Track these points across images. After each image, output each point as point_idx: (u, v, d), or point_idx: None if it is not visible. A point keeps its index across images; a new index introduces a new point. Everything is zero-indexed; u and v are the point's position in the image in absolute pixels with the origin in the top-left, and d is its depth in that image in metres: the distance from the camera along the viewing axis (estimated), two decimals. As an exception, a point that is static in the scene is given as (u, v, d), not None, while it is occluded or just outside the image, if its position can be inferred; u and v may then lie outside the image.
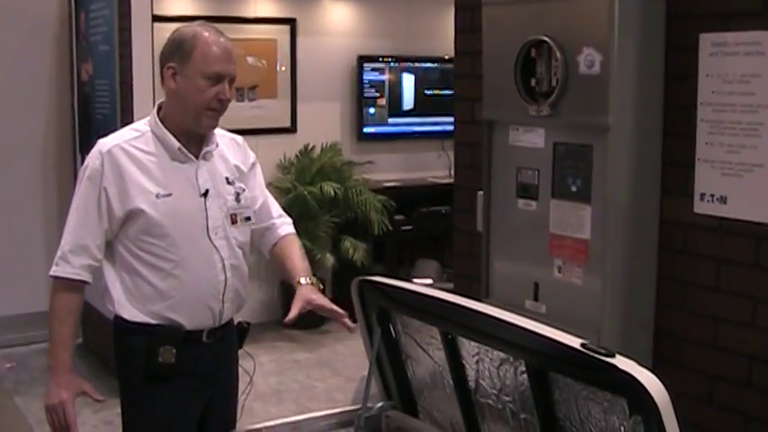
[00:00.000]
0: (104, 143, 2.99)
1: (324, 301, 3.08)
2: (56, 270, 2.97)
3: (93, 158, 2.98)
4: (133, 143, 2.99)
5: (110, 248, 3.01)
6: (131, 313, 2.98)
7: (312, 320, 7.56)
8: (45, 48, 7.21)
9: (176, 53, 2.97)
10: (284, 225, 3.31)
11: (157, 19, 6.06)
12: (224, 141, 3.16)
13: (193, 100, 2.95)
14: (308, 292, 3.07)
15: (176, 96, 2.99)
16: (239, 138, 3.26)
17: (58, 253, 2.98)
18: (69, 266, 2.95)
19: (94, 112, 6.55)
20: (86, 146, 6.55)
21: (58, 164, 7.30)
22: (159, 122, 3.01)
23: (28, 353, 6.83)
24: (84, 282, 2.98)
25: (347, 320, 2.97)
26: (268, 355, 6.77)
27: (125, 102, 5.91)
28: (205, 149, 3.05)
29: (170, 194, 2.95)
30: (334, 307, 3.06)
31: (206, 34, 2.98)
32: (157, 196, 2.94)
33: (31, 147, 7.25)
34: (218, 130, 3.14)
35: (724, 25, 3.03)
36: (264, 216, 3.26)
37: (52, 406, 2.92)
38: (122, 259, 2.99)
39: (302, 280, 3.11)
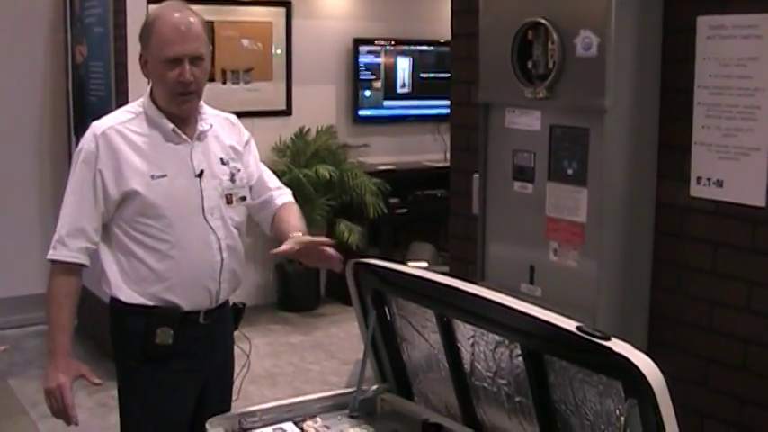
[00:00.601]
0: (98, 126, 2.99)
1: (309, 239, 3.05)
2: (53, 254, 2.96)
3: (87, 141, 2.97)
4: (127, 125, 2.98)
5: (106, 231, 3.00)
6: (128, 295, 2.98)
7: (307, 303, 7.59)
8: (39, 30, 7.19)
9: (141, 40, 2.99)
10: (282, 195, 3.29)
11: (153, 1, 6.04)
12: (218, 121, 3.15)
13: (160, 86, 2.97)
14: (299, 237, 3.04)
15: (152, 82, 3.01)
16: (233, 117, 3.25)
17: (55, 237, 2.97)
18: (66, 250, 2.94)
19: (89, 95, 6.54)
20: (81, 128, 6.54)
21: (52, 146, 7.28)
22: (152, 104, 3.01)
23: (22, 335, 6.83)
24: (82, 265, 2.97)
25: (333, 253, 2.98)
26: (263, 338, 6.77)
27: (120, 84, 5.90)
28: (199, 130, 3.04)
29: (165, 175, 2.95)
30: (320, 238, 3.07)
31: (164, 16, 2.95)
32: (152, 177, 2.93)
33: (25, 130, 7.23)
34: (211, 110, 3.14)
35: (721, 8, 3.02)
36: (262, 190, 3.25)
37: (50, 390, 2.92)
38: (119, 241, 2.99)
39: (294, 234, 3.07)
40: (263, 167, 3.30)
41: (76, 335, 6.11)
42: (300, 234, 3.07)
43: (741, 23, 2.96)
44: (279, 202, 3.26)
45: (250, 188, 3.19)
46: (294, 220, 3.19)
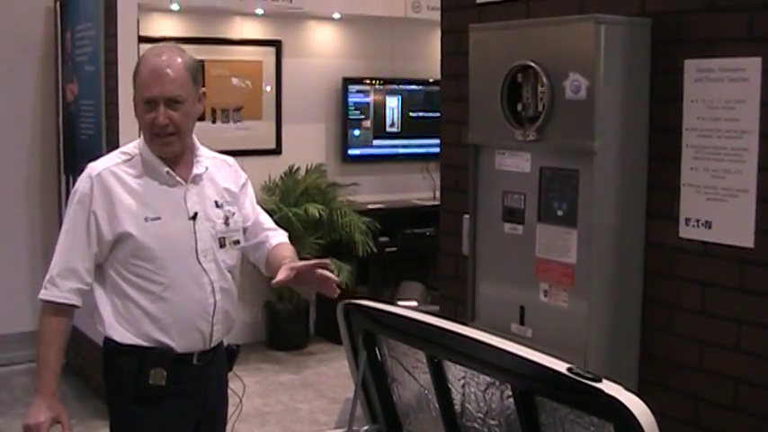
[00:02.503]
0: (94, 167, 3.00)
1: (304, 263, 3.00)
2: (44, 294, 2.96)
3: (82, 182, 2.98)
4: (122, 167, 2.99)
5: (100, 271, 3.01)
6: (122, 335, 2.98)
7: (297, 341, 7.57)
8: (30, 68, 7.21)
9: (133, 82, 3.00)
10: (276, 236, 3.29)
11: (144, 40, 6.08)
12: (214, 164, 3.17)
13: (142, 127, 2.99)
14: (293, 263, 3.00)
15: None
16: (230, 159, 3.27)
17: (47, 276, 2.97)
18: (57, 290, 2.95)
19: (79, 133, 6.54)
20: (71, 166, 6.54)
21: (42, 184, 7.28)
22: (147, 146, 3.02)
23: (10, 373, 6.79)
24: (73, 305, 2.97)
25: (331, 276, 2.95)
26: (252, 377, 6.75)
27: (110, 122, 5.91)
28: (194, 173, 3.06)
29: (159, 218, 2.96)
30: (314, 261, 3.01)
31: (147, 58, 2.98)
32: (146, 220, 2.94)
33: (15, 167, 7.23)
34: (208, 152, 3.16)
35: (709, 51, 3.06)
36: (257, 230, 3.26)
37: (28, 426, 2.92)
38: (112, 282, 2.99)
39: (286, 262, 3.04)
40: (260, 209, 3.31)
41: (65, 373, 6.09)
42: (292, 260, 3.05)
43: (728, 67, 2.99)
44: (273, 242, 3.26)
45: (245, 230, 3.20)
46: (287, 254, 3.17)
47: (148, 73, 2.94)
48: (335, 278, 2.96)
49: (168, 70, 2.93)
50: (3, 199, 7.16)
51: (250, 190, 3.28)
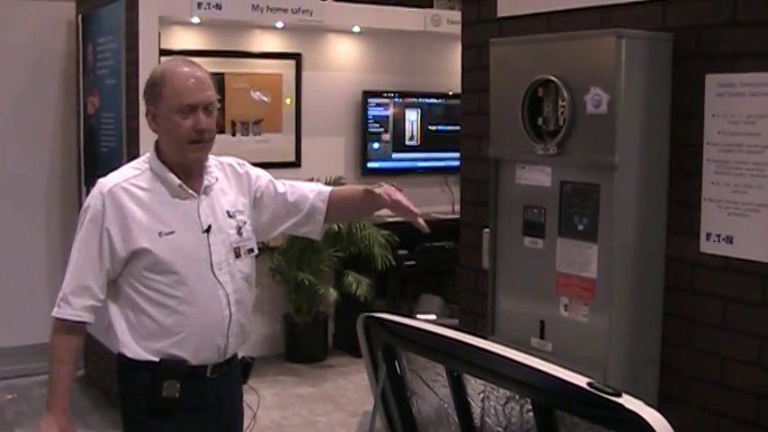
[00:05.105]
0: (105, 183, 3.00)
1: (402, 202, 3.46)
2: (57, 311, 2.97)
3: (93, 199, 2.98)
4: (133, 181, 3.00)
5: (113, 286, 3.01)
6: (135, 352, 2.98)
7: (315, 354, 7.58)
8: (52, 80, 7.26)
9: (150, 95, 3.01)
10: (321, 191, 3.33)
11: (165, 53, 6.11)
12: (223, 173, 3.17)
13: (174, 136, 2.98)
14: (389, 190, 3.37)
15: (161, 136, 3.03)
16: (235, 162, 3.26)
17: (60, 294, 2.98)
18: (70, 308, 2.96)
19: (100, 145, 6.58)
20: (92, 178, 6.57)
21: (63, 196, 7.32)
22: (158, 159, 3.03)
23: (29, 384, 6.81)
24: (85, 323, 2.99)
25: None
26: (271, 389, 6.76)
27: (131, 135, 5.94)
28: (205, 184, 3.06)
29: (173, 232, 2.96)
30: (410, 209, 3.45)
31: (173, 69, 3.00)
32: (160, 234, 2.95)
33: (36, 179, 7.27)
34: (212, 160, 3.14)
35: (730, 66, 3.05)
36: (303, 200, 3.28)
37: None
38: (126, 297, 2.99)
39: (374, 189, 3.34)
40: (290, 182, 3.32)
41: (83, 384, 6.12)
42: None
43: (750, 81, 2.99)
44: (324, 193, 3.32)
45: (290, 204, 3.24)
46: (357, 188, 3.47)
47: (185, 80, 2.97)
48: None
49: (203, 78, 3.00)
50: (23, 210, 7.20)
51: (269, 178, 3.27)
